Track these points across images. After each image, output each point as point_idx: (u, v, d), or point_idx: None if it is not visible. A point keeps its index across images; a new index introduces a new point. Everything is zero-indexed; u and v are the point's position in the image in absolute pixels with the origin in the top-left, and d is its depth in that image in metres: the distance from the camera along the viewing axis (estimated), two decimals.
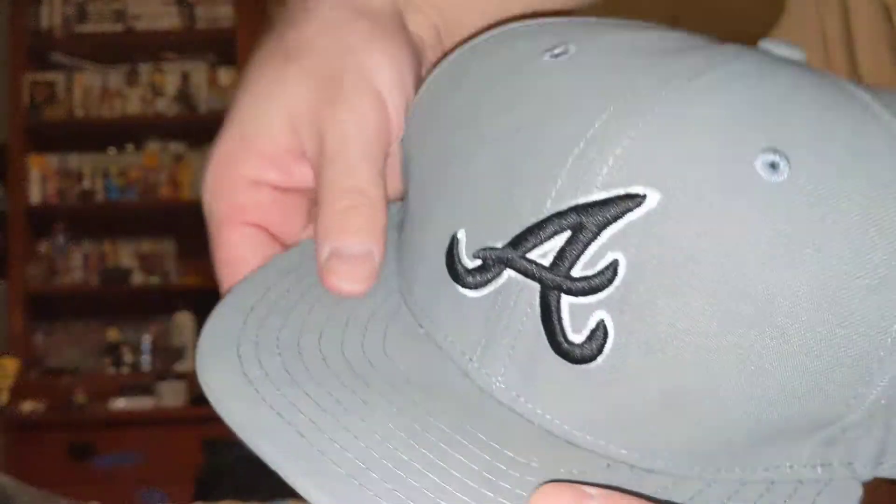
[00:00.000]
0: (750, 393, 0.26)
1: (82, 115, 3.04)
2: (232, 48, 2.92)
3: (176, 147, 3.07)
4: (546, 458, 0.28)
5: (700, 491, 0.27)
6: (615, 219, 0.27)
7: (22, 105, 2.98)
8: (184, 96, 3.04)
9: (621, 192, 0.27)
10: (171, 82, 3.06)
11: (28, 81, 3.00)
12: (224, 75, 3.02)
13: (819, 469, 0.28)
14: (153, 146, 3.09)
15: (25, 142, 2.99)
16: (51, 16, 3.02)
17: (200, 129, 2.95)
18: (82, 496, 0.82)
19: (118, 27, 3.04)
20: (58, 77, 3.04)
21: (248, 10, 2.92)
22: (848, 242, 0.26)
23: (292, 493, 0.25)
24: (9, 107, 2.96)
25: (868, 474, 0.28)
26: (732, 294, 0.26)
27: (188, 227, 2.37)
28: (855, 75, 0.60)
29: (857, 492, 0.28)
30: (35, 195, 3.00)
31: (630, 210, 0.27)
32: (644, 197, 0.26)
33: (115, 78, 3.06)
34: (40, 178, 3.01)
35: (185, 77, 3.06)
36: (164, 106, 3.05)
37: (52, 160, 3.03)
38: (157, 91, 3.06)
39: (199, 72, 3.06)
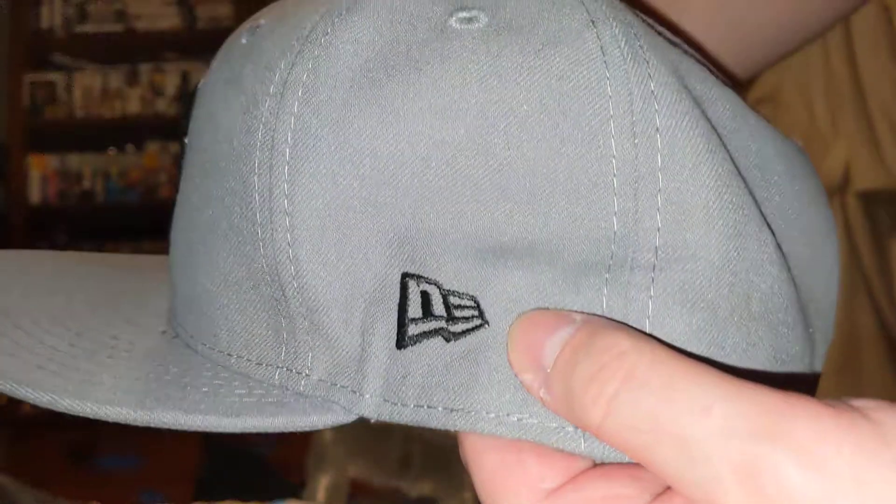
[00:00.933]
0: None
1: (82, 115, 3.04)
2: None
3: (176, 147, 3.06)
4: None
5: None
6: None
7: (22, 105, 2.98)
8: (184, 96, 3.04)
9: None
10: (171, 82, 3.06)
11: (28, 81, 3.00)
12: None
13: None
14: (153, 146, 3.09)
15: (25, 142, 2.98)
16: (51, 16, 3.02)
17: None
18: (82, 497, 0.82)
19: (118, 27, 3.03)
20: (58, 77, 3.04)
21: (248, 11, 2.91)
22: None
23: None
24: (9, 107, 2.96)
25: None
26: None
27: None
28: (855, 78, 0.60)
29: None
30: (35, 195, 3.00)
31: None
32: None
33: (115, 78, 3.06)
34: (40, 179, 3.01)
35: (185, 77, 3.06)
36: (164, 106, 3.05)
37: (52, 160, 3.03)
38: (157, 91, 3.05)
39: (199, 72, 3.05)
